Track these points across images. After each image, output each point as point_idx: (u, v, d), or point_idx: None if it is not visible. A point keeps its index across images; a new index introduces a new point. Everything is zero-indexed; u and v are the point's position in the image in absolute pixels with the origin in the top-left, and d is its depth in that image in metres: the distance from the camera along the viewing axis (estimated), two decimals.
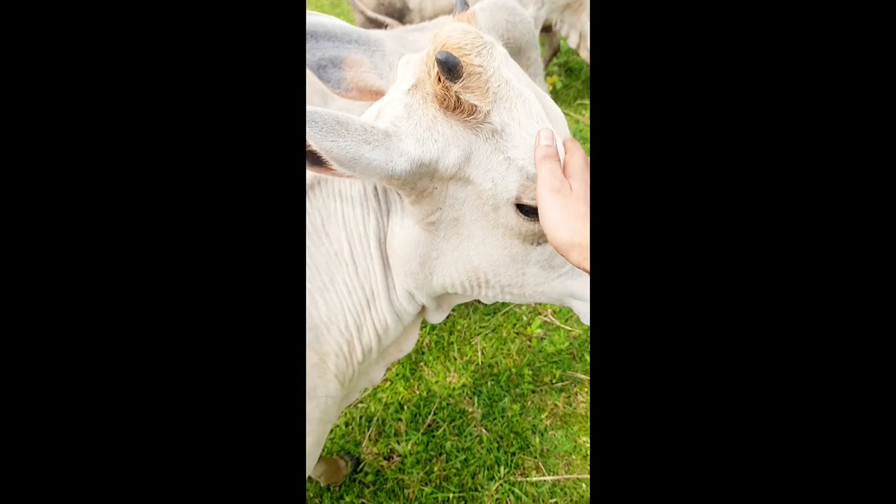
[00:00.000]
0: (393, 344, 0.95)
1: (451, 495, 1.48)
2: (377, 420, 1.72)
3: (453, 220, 0.67)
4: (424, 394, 1.79)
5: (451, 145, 0.62)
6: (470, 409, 1.72)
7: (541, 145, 0.61)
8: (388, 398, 1.78)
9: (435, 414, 1.72)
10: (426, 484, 1.53)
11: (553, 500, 1.48)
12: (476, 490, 1.49)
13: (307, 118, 0.55)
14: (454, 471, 1.55)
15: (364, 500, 1.52)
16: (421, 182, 0.63)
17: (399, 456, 1.63)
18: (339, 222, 0.73)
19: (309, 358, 0.79)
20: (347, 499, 1.53)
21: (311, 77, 0.78)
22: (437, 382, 1.82)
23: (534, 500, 1.47)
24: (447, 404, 1.75)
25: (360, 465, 1.61)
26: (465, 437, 1.64)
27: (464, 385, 1.80)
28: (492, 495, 1.47)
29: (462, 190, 0.65)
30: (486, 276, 0.72)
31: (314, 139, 0.55)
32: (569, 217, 0.56)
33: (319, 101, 1.24)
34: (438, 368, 1.87)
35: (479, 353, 1.90)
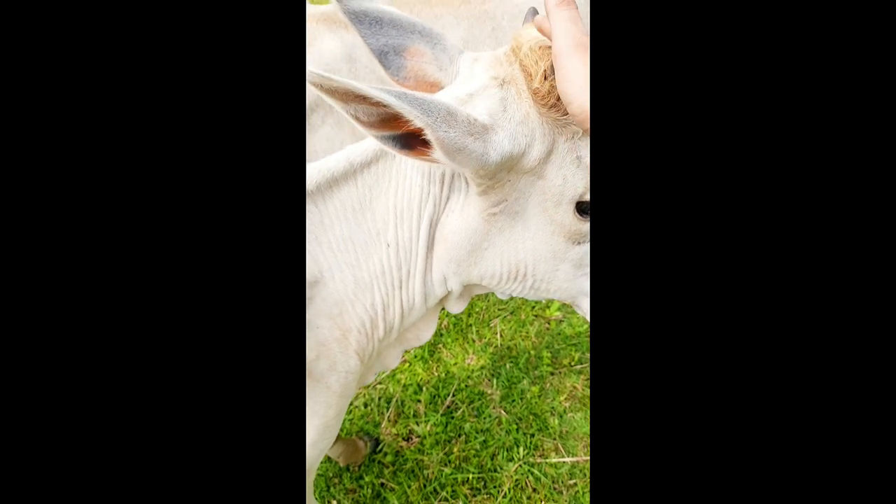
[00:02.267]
0: (411, 329, 0.95)
1: (470, 476, 1.49)
2: (396, 401, 1.73)
3: (514, 213, 0.70)
4: (443, 375, 1.80)
5: (537, 141, 0.64)
6: (489, 391, 1.72)
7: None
8: (407, 379, 1.79)
9: (454, 395, 1.72)
10: (446, 465, 1.53)
11: (573, 482, 1.48)
12: (495, 471, 1.49)
13: (420, 105, 0.55)
14: (473, 452, 1.55)
15: (384, 481, 1.54)
16: (500, 174, 0.65)
17: (418, 437, 1.64)
18: (389, 202, 0.74)
19: (332, 332, 0.79)
20: (367, 479, 1.54)
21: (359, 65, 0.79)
22: (455, 364, 1.82)
23: (553, 482, 1.47)
24: (466, 386, 1.75)
25: (380, 446, 1.62)
26: (484, 418, 1.64)
27: (482, 367, 1.80)
28: (511, 476, 1.47)
29: (532, 184, 0.67)
30: (526, 269, 0.75)
31: (429, 127, 0.56)
32: (583, 88, 0.49)
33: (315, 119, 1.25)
34: (457, 350, 1.86)
35: (498, 336, 1.90)
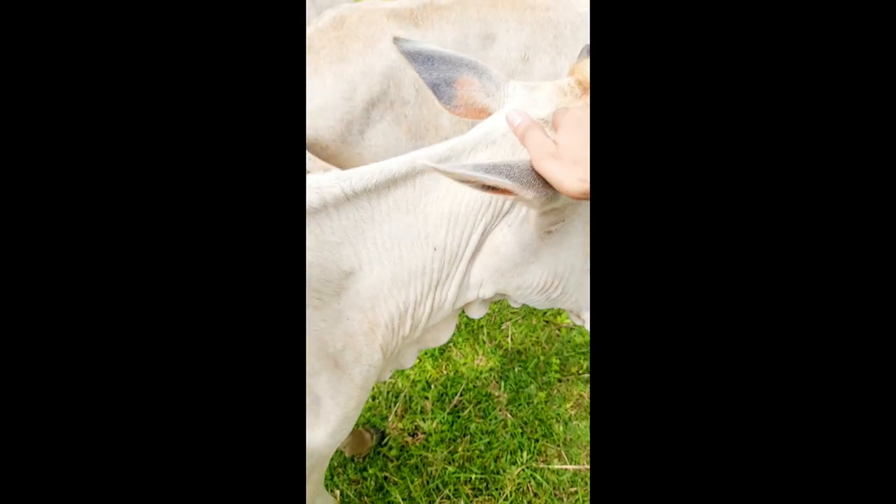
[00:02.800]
0: (431, 331, 0.96)
1: (473, 476, 1.51)
2: (404, 396, 1.75)
3: (565, 232, 0.76)
4: (452, 374, 1.81)
5: None
6: (496, 394, 1.74)
7: (515, 125, 0.67)
8: (416, 376, 1.81)
9: (461, 395, 1.74)
10: (449, 463, 1.55)
11: (574, 489, 1.49)
12: (498, 473, 1.51)
13: (503, 172, 0.63)
14: (477, 452, 1.57)
15: (387, 474, 1.56)
16: (563, 198, 0.70)
17: (424, 433, 1.66)
18: (445, 208, 0.77)
19: (360, 325, 0.80)
20: (371, 471, 1.57)
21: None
22: (464, 364, 1.84)
23: (554, 488, 1.48)
24: (474, 386, 1.77)
25: (385, 440, 1.65)
26: (490, 420, 1.66)
27: (491, 369, 1.81)
28: (514, 479, 1.48)
29: (584, 205, 0.74)
30: (560, 281, 0.80)
31: (517, 190, 0.64)
32: (569, 170, 0.59)
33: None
34: (467, 350, 1.88)
35: (509, 339, 1.91)
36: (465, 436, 1.63)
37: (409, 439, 1.65)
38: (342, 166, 1.26)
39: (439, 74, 0.83)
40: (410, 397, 1.76)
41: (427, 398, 1.75)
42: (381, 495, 1.52)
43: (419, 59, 0.82)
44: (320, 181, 0.76)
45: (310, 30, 1.27)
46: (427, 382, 1.80)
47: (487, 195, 0.76)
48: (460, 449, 1.59)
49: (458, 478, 1.51)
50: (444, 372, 1.83)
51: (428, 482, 1.52)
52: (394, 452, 1.61)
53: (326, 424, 0.83)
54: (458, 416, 1.68)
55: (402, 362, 1.01)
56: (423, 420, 1.69)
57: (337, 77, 1.20)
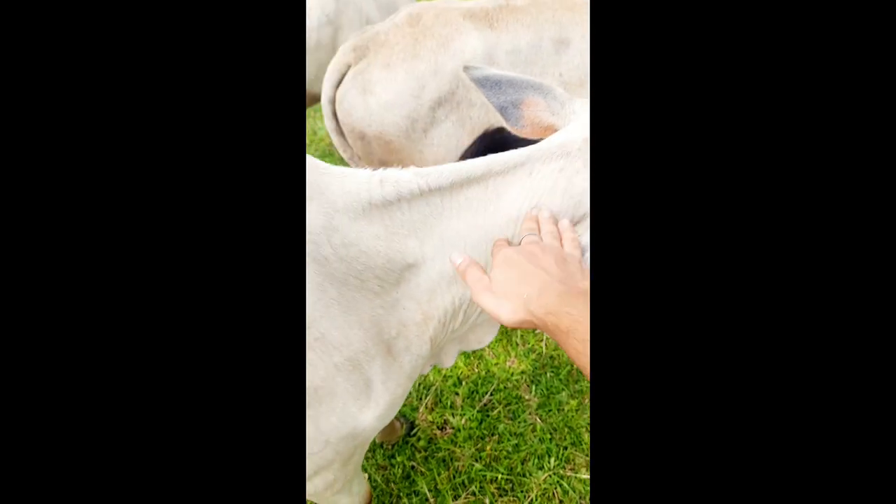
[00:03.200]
0: (476, 331, 0.99)
1: (499, 476, 1.53)
2: (435, 390, 1.78)
3: None
4: (483, 373, 1.83)
5: None
6: (527, 397, 1.75)
7: (456, 264, 0.75)
8: (448, 371, 1.83)
9: (492, 395, 1.76)
10: (476, 460, 1.58)
11: None
12: (524, 476, 1.53)
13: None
14: (504, 453, 1.59)
15: (415, 464, 1.59)
16: None
17: (452, 428, 1.68)
18: (514, 213, 0.78)
19: (414, 315, 0.83)
20: (399, 458, 1.60)
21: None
22: (496, 364, 1.86)
23: (580, 497, 1.49)
24: (504, 387, 1.78)
25: (415, 430, 1.68)
26: (519, 422, 1.67)
27: (523, 372, 1.83)
28: (539, 484, 1.50)
29: None
30: None
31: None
32: (503, 302, 0.67)
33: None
34: (500, 351, 1.90)
35: (543, 344, 1.92)
36: (493, 435, 1.65)
37: (438, 432, 1.68)
38: (403, 162, 1.28)
39: (506, 97, 0.87)
40: (441, 391, 1.79)
41: (457, 394, 1.78)
42: (407, 483, 1.55)
43: (487, 84, 0.87)
44: (398, 176, 0.78)
45: (386, 25, 1.29)
46: (458, 379, 1.83)
47: (556, 207, 0.77)
48: (488, 448, 1.61)
49: (485, 476, 1.53)
50: (476, 370, 1.85)
51: (454, 476, 1.55)
52: (422, 443, 1.64)
53: (376, 407, 0.85)
54: (488, 415, 1.70)
55: (443, 360, 1.03)
56: (453, 415, 1.71)
57: (408, 74, 1.22)
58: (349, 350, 0.79)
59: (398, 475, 1.57)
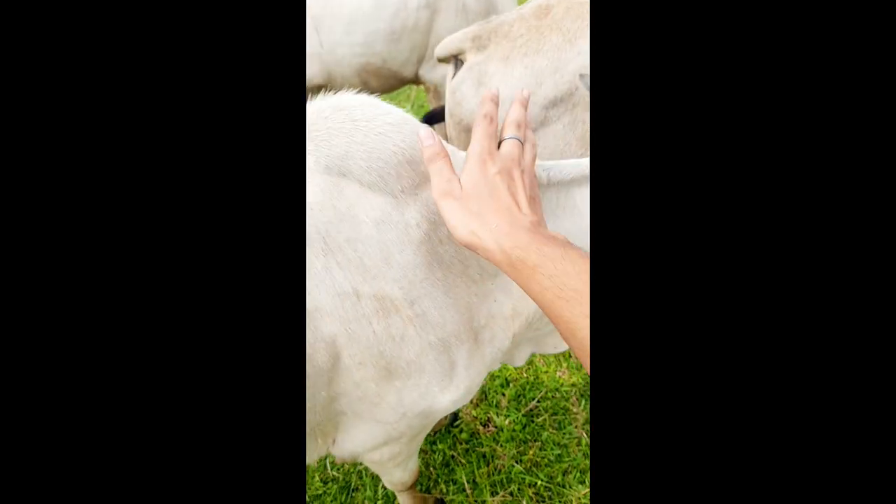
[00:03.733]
0: (555, 336, 0.98)
1: (539, 482, 1.52)
2: (482, 387, 1.79)
3: None
4: (532, 379, 1.82)
5: None
6: (574, 410, 1.73)
7: (424, 146, 0.63)
8: (496, 371, 1.84)
9: (538, 402, 1.75)
10: (517, 462, 1.57)
11: None
12: (564, 487, 1.51)
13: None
14: (546, 461, 1.58)
15: (455, 454, 1.60)
16: None
17: (496, 427, 1.68)
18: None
19: (503, 309, 0.84)
20: (440, 446, 1.61)
21: None
22: (546, 372, 1.84)
23: None
24: (552, 397, 1.77)
25: (457, 422, 1.69)
26: (565, 433, 1.66)
27: (573, 384, 1.81)
28: (579, 499, 1.48)
29: None
30: None
31: None
32: (466, 217, 0.59)
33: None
34: (551, 360, 1.88)
35: None
36: (536, 441, 1.64)
37: (481, 428, 1.68)
38: None
39: None
40: (488, 389, 1.79)
41: (504, 395, 1.78)
42: (446, 471, 1.56)
43: None
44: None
45: (512, 15, 1.29)
46: (506, 380, 1.82)
47: None
48: (530, 452, 1.60)
49: (524, 479, 1.53)
50: (525, 375, 1.84)
51: (493, 473, 1.55)
52: (464, 436, 1.65)
53: (455, 391, 0.87)
54: (532, 421, 1.69)
55: (515, 358, 1.04)
56: (497, 415, 1.71)
57: (525, 69, 1.21)
58: (443, 331, 0.80)
59: (438, 462, 1.58)
